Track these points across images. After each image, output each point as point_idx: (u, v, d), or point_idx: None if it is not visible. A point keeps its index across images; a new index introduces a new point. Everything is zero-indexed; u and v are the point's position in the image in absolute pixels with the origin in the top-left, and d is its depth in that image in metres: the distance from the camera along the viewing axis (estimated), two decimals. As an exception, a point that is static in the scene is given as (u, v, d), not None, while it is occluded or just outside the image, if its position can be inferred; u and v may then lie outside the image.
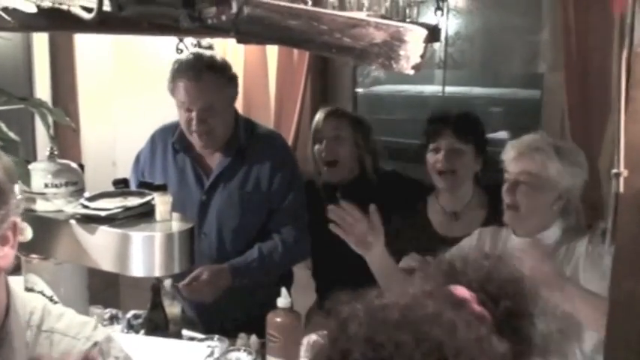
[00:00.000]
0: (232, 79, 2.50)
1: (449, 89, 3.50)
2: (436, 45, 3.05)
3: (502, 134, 4.07)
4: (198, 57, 2.42)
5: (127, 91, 3.54)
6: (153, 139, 2.66)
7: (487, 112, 3.97)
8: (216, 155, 2.52)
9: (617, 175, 0.67)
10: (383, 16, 1.38)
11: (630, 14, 0.61)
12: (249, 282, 2.41)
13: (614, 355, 0.87)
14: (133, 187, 2.48)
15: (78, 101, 3.34)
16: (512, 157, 2.10)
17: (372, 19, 1.22)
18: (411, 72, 1.22)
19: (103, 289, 3.11)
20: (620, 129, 0.68)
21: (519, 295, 0.81)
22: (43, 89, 3.26)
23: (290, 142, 3.10)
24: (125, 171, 3.20)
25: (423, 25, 1.55)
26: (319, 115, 2.81)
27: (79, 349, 1.19)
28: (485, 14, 3.20)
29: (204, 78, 2.38)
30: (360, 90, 3.66)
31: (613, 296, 0.85)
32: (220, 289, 2.37)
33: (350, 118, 2.83)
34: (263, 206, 2.51)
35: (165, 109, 3.22)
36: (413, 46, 1.20)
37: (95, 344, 1.20)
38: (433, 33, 1.65)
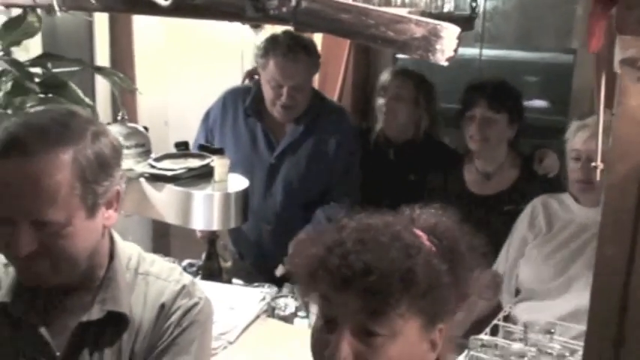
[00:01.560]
0: (319, 57, 2.71)
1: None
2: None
3: (538, 102, 4.20)
4: (293, 37, 2.58)
5: (179, 55, 3.70)
6: (224, 101, 2.83)
7: (523, 80, 4.04)
8: (288, 124, 2.73)
9: (595, 167, 0.89)
10: (423, 12, 1.56)
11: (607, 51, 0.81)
12: None
13: (597, 315, 1.09)
14: (200, 140, 2.74)
15: (134, 65, 3.56)
16: (586, 137, 2.25)
17: (414, 17, 1.41)
18: (446, 64, 1.41)
19: (156, 239, 3.40)
20: (599, 132, 0.89)
21: (454, 239, 1.15)
22: (103, 54, 3.47)
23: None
24: (176, 130, 3.44)
25: (458, 17, 1.75)
26: (387, 72, 2.95)
27: (170, 290, 1.41)
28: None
29: (300, 59, 2.57)
30: (400, 55, 3.80)
31: (598, 259, 1.07)
32: None
33: (415, 78, 2.94)
34: (326, 174, 2.71)
35: (214, 73, 3.47)
36: (448, 42, 1.39)
37: (184, 287, 1.43)
38: (468, 21, 1.85)
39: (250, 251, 2.77)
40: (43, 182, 1.22)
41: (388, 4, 1.62)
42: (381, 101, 2.93)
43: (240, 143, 2.72)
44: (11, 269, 1.39)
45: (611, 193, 1.03)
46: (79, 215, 1.28)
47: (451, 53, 1.42)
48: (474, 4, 1.75)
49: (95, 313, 1.36)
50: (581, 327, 1.82)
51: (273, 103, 2.66)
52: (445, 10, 1.71)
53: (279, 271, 2.54)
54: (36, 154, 1.23)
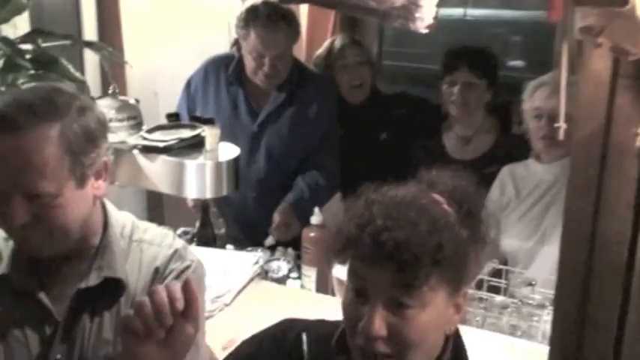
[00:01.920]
0: (299, 26, 2.76)
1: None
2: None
3: (519, 63, 4.24)
4: (273, 7, 2.61)
5: (166, 25, 3.71)
6: (205, 70, 2.89)
7: (507, 39, 4.07)
8: (269, 92, 2.78)
9: (558, 127, 0.96)
10: (402, -18, 1.62)
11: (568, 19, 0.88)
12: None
13: (567, 263, 1.18)
14: (182, 109, 2.80)
15: (122, 36, 3.58)
16: (546, 95, 2.32)
17: (393, -13, 1.47)
18: (425, 31, 1.48)
19: (150, 210, 3.47)
20: (562, 94, 0.96)
21: (473, 203, 1.19)
22: (90, 26, 3.48)
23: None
24: (166, 100, 3.46)
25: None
26: (341, 43, 3.01)
27: (163, 254, 1.48)
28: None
29: (280, 28, 2.61)
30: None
31: (567, 211, 1.15)
32: (295, 223, 2.65)
33: (365, 44, 3.05)
34: (308, 141, 2.79)
35: (201, 42, 3.49)
36: (427, 10, 1.45)
37: (176, 251, 1.50)
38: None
39: (236, 218, 2.84)
40: (33, 156, 1.28)
41: (368, -26, 1.68)
42: (341, 74, 2.98)
43: (222, 111, 2.77)
44: (11, 242, 1.45)
45: (577, 150, 1.12)
46: (69, 186, 1.33)
47: (430, 21, 1.48)
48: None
49: (92, 280, 1.42)
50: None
51: (255, 72, 2.70)
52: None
53: (269, 241, 2.63)
54: (24, 130, 1.28)
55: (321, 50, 3.09)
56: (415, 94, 3.28)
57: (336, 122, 2.87)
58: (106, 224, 1.48)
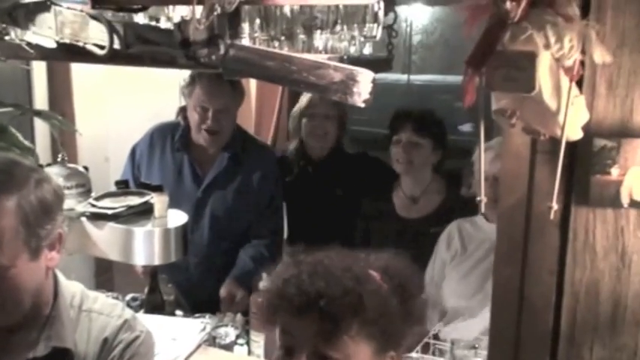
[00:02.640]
0: (242, 91, 2.85)
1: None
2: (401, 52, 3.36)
3: (467, 126, 4.37)
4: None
5: (118, 91, 3.76)
6: (151, 136, 2.93)
7: (450, 105, 4.20)
8: (214, 158, 2.83)
9: (480, 201, 1.03)
10: (341, 58, 1.70)
11: (481, 105, 0.96)
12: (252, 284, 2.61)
13: (498, 328, 1.23)
14: (127, 176, 2.81)
15: (73, 102, 3.60)
16: (491, 158, 2.42)
17: (332, 63, 1.54)
18: (362, 105, 1.54)
19: (99, 275, 3.44)
20: (481, 165, 1.04)
21: (405, 278, 1.27)
22: (41, 91, 3.51)
23: (270, 139, 3.45)
24: (118, 166, 3.46)
25: (376, 59, 1.89)
26: (309, 97, 3.07)
27: (112, 324, 1.50)
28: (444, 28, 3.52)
29: (225, 85, 2.67)
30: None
31: (496, 279, 1.21)
32: (243, 295, 2.67)
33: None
34: (252, 208, 2.83)
35: (153, 107, 3.53)
36: (363, 85, 1.52)
37: (125, 321, 1.52)
38: (387, 62, 1.99)
39: (179, 284, 2.83)
40: None
41: (311, 49, 1.76)
42: (307, 122, 3.05)
43: (167, 178, 2.79)
44: None
45: (502, 221, 1.19)
46: (23, 258, 1.36)
47: (367, 96, 1.55)
48: (390, 47, 1.90)
49: (41, 350, 1.43)
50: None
51: (199, 128, 2.74)
52: (365, 52, 1.85)
53: None
54: None
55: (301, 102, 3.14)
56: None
57: (280, 190, 2.92)
58: (56, 294, 1.49)
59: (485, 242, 2.46)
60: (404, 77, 3.91)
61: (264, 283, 2.34)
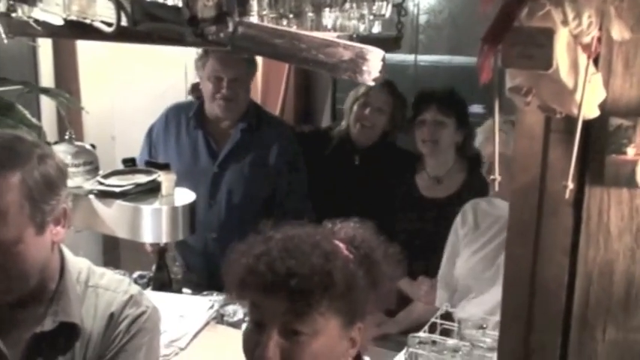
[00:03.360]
0: (255, 64, 2.83)
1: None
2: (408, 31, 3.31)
3: (476, 107, 4.34)
4: None
5: (124, 69, 3.75)
6: (166, 116, 2.93)
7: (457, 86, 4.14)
8: (229, 132, 2.83)
9: (494, 179, 1.02)
10: (350, 36, 1.68)
11: (496, 83, 0.94)
12: None
13: (509, 308, 1.22)
14: (144, 156, 2.82)
15: (79, 80, 3.59)
16: (481, 141, 2.42)
17: (342, 41, 1.53)
18: (372, 83, 1.53)
19: (106, 253, 3.45)
20: (496, 145, 1.02)
21: (370, 248, 1.29)
22: (47, 70, 3.50)
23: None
24: (123, 144, 3.48)
25: (386, 38, 1.87)
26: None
27: (119, 300, 1.50)
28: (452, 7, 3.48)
29: (239, 55, 2.63)
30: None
31: (507, 258, 1.20)
32: None
33: (397, 94, 3.07)
34: (269, 182, 2.82)
35: (158, 85, 3.52)
36: (373, 64, 1.50)
37: (131, 296, 1.52)
38: (396, 41, 1.97)
39: (197, 261, 2.86)
40: None
41: (320, 27, 1.74)
42: (357, 109, 3.03)
43: (183, 155, 2.81)
44: None
45: (515, 200, 1.17)
46: (29, 232, 1.36)
47: (377, 74, 1.53)
48: (399, 26, 1.88)
49: (48, 325, 1.44)
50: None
51: (213, 97, 2.74)
52: (374, 31, 1.84)
53: None
54: None
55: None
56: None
57: (303, 166, 2.90)
58: (62, 270, 1.50)
59: (500, 220, 2.44)
60: (410, 57, 3.87)
61: (233, 257, 2.32)
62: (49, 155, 1.42)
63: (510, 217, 1.18)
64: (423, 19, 3.61)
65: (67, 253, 1.53)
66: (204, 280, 2.78)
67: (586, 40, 0.89)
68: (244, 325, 2.35)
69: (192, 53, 3.34)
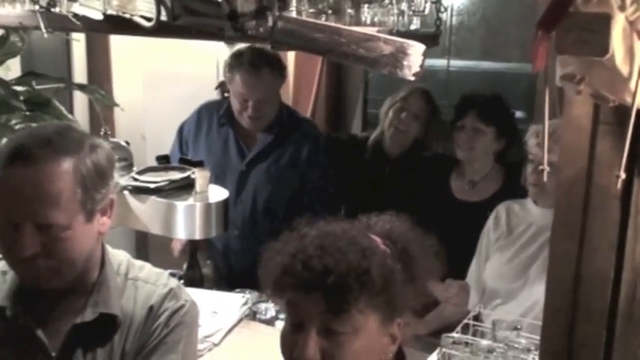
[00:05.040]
0: (284, 70, 2.82)
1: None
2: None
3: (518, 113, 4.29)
4: (257, 52, 2.68)
5: (155, 69, 3.78)
6: (199, 113, 2.97)
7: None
8: (259, 135, 2.85)
9: (543, 170, 1.01)
10: (390, 31, 1.68)
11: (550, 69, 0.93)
12: None
13: (552, 305, 1.21)
14: (175, 153, 2.84)
15: (112, 78, 3.63)
16: (535, 143, 2.38)
17: (382, 36, 1.52)
18: (412, 78, 1.52)
19: (136, 252, 3.47)
20: (545, 136, 1.01)
21: (407, 242, 1.27)
22: (80, 68, 3.53)
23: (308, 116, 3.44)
24: (153, 143, 3.50)
25: (424, 34, 1.87)
26: (409, 89, 3.04)
27: (158, 293, 1.51)
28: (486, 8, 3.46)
29: (263, 73, 2.67)
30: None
31: (552, 254, 1.19)
32: None
33: (433, 104, 3.08)
34: (296, 183, 2.83)
35: (190, 85, 3.53)
36: (414, 58, 1.49)
37: (170, 290, 1.53)
38: (434, 38, 1.97)
39: (217, 257, 2.87)
40: (47, 187, 1.33)
41: (359, 23, 1.74)
42: (395, 114, 3.03)
43: (213, 151, 2.84)
44: (8, 276, 1.48)
45: (561, 194, 1.16)
46: (79, 219, 1.38)
47: (417, 69, 1.52)
48: (438, 23, 1.87)
49: (88, 315, 1.45)
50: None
51: (241, 114, 2.77)
52: (412, 28, 1.83)
53: None
54: (40, 162, 1.33)
55: None
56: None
57: (326, 167, 2.90)
58: (103, 261, 1.51)
59: (532, 226, 2.42)
60: (439, 62, 3.85)
61: (267, 255, 2.31)
62: (99, 145, 1.45)
63: (556, 210, 1.16)
64: (455, 20, 3.59)
65: (107, 246, 1.55)
66: (223, 276, 2.80)
67: (642, 26, 0.87)
68: (277, 323, 2.38)
69: (223, 53, 3.37)
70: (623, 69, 0.89)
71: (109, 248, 1.54)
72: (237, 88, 2.72)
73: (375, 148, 3.11)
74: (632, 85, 0.90)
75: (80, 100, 3.34)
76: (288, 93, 3.50)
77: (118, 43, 3.51)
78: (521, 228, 2.46)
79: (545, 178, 1.01)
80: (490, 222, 2.54)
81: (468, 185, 2.85)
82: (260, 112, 2.74)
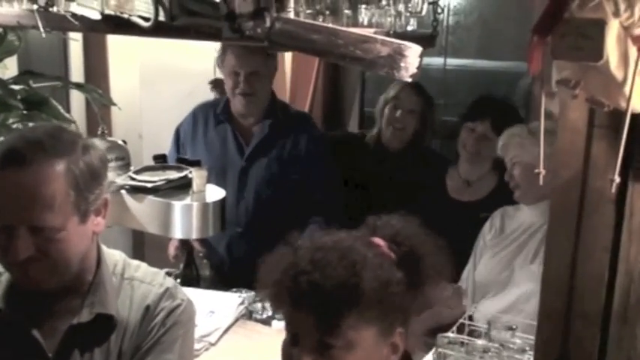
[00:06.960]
0: (275, 60, 2.84)
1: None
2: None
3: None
4: None
5: (152, 68, 3.76)
6: (194, 115, 2.96)
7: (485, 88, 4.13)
8: (256, 127, 2.84)
9: (539, 173, 1.01)
10: (387, 32, 1.68)
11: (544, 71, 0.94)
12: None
13: (547, 299, 1.22)
14: (172, 157, 2.84)
15: (109, 77, 3.62)
16: (500, 147, 2.43)
17: (379, 37, 1.53)
18: (409, 80, 1.53)
19: (132, 250, 3.47)
20: (541, 142, 1.02)
21: (414, 245, 1.26)
22: (77, 67, 3.53)
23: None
24: (150, 143, 3.49)
25: (421, 35, 1.87)
26: (400, 86, 3.04)
27: (154, 292, 1.52)
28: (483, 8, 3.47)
29: (257, 50, 2.63)
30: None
31: (548, 252, 1.20)
32: None
33: (425, 95, 3.10)
34: (297, 176, 2.81)
35: (187, 84, 3.52)
36: (411, 60, 1.50)
37: (167, 289, 1.54)
38: (431, 39, 1.97)
39: (218, 256, 2.86)
40: (40, 190, 1.33)
41: (356, 24, 1.75)
42: (389, 112, 3.05)
43: (212, 150, 2.83)
44: (3, 278, 1.49)
45: (556, 197, 1.17)
46: (73, 221, 1.38)
47: (414, 70, 1.53)
48: (435, 24, 1.88)
49: (85, 316, 1.46)
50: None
51: (233, 93, 2.76)
52: (409, 29, 1.84)
53: None
54: (33, 165, 1.33)
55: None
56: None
57: (331, 159, 2.90)
58: (99, 261, 1.52)
59: (521, 226, 2.45)
60: (435, 61, 3.86)
61: (264, 269, 2.31)
62: (91, 146, 1.45)
63: (551, 212, 1.17)
64: (451, 20, 3.60)
65: (103, 246, 1.56)
66: (223, 273, 2.80)
67: (637, 32, 0.88)
68: (274, 323, 2.38)
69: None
70: (618, 74, 0.90)
71: (104, 248, 1.55)
72: (230, 64, 2.72)
73: (374, 145, 3.12)
74: (627, 89, 0.91)
75: (77, 98, 3.34)
76: (285, 92, 3.50)
77: (114, 40, 3.50)
78: (512, 227, 2.49)
79: (541, 182, 1.01)
80: (486, 226, 2.56)
81: (463, 184, 2.86)
82: (252, 87, 2.72)
